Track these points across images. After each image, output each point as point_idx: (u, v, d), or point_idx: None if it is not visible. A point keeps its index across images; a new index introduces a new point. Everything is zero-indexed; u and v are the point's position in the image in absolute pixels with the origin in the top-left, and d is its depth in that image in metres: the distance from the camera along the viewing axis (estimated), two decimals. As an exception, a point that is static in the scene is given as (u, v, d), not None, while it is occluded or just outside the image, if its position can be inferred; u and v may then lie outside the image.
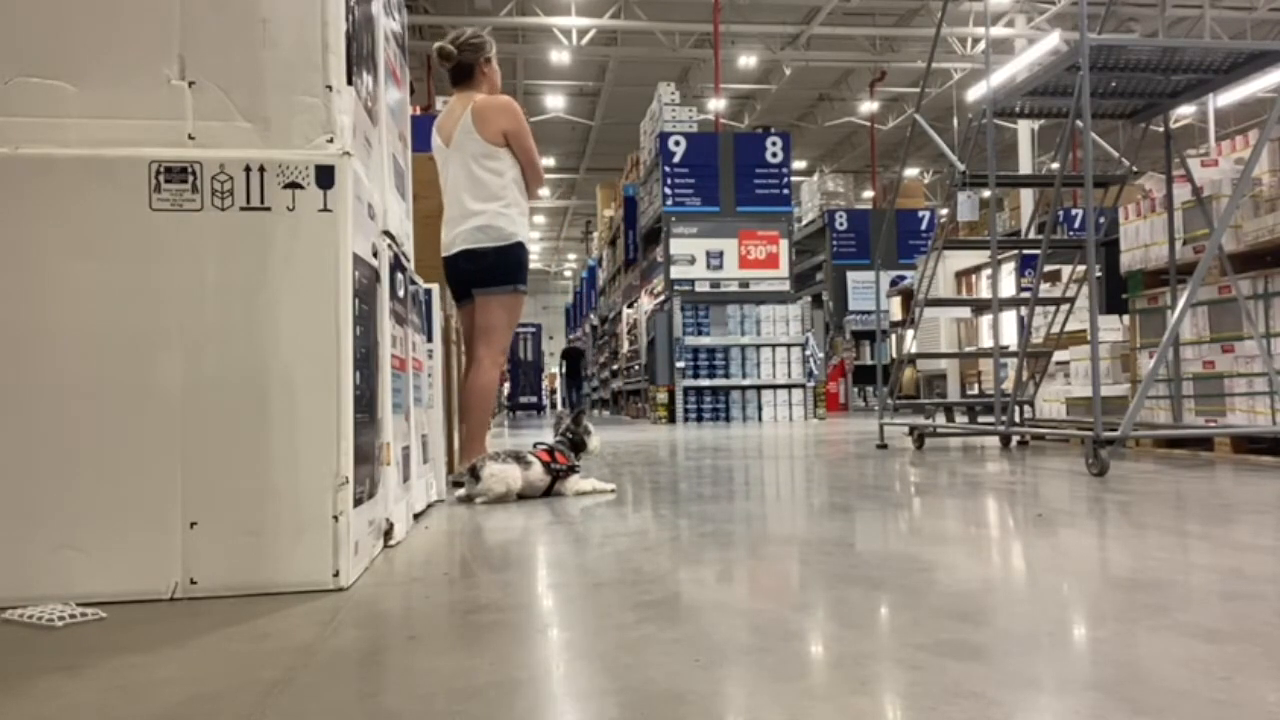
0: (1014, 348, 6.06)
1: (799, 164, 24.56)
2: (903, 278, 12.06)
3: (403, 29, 2.96)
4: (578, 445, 3.63)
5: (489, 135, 3.84)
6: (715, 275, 11.39)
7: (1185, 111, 17.63)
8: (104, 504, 1.77)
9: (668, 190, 11.42)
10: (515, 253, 3.90)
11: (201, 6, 1.91)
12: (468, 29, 4.08)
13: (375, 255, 2.23)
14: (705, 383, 11.22)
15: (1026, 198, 15.57)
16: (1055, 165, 5.99)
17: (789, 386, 11.36)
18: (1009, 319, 7.91)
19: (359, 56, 2.13)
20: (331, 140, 1.93)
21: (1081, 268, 5.46)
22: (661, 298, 11.93)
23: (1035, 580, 1.86)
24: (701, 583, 1.87)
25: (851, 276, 15.87)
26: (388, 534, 2.33)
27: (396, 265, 2.52)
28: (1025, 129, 16.60)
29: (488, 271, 3.87)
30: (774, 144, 11.62)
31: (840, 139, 25.16)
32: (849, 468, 4.44)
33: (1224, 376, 4.81)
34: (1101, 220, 5.42)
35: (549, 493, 3.45)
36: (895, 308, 11.11)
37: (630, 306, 15.46)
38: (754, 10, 17.35)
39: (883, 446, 5.76)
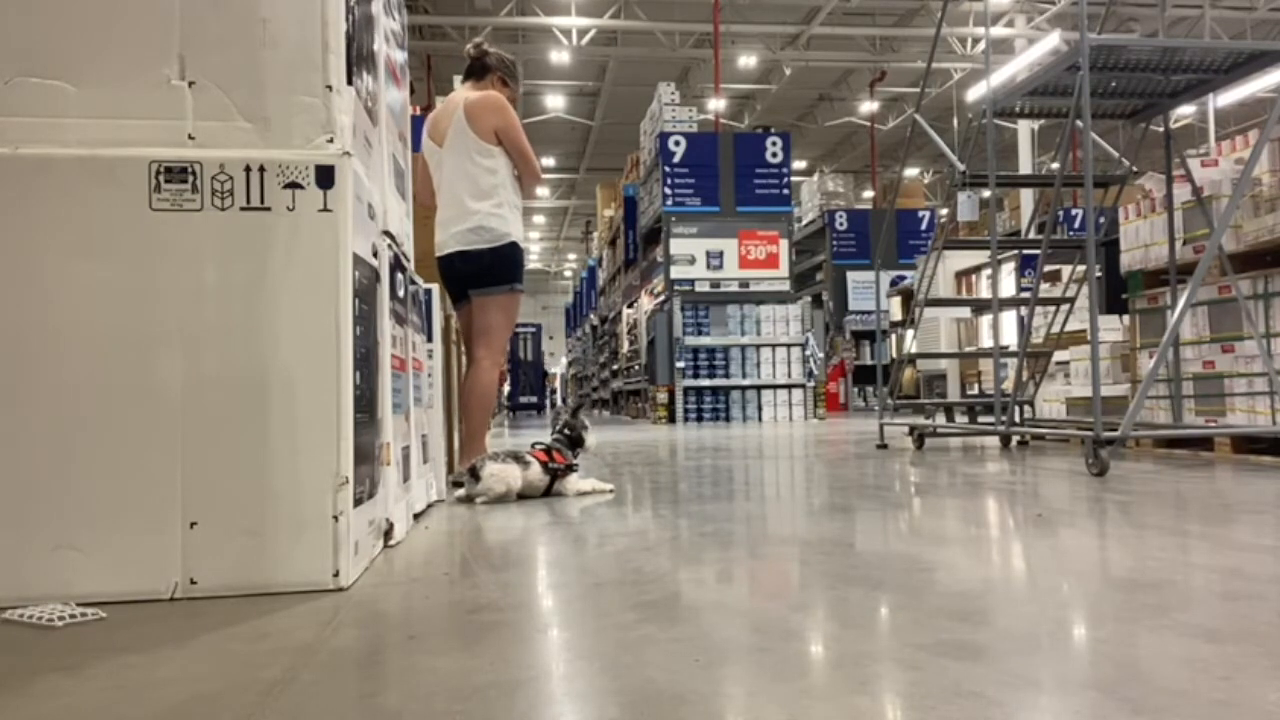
0: (1014, 348, 6.06)
1: (799, 164, 24.56)
2: (903, 278, 12.06)
3: (403, 29, 2.96)
4: (576, 442, 3.62)
5: (481, 133, 3.87)
6: (715, 275, 11.38)
7: (1185, 111, 17.63)
8: (104, 504, 1.77)
9: (668, 190, 11.41)
10: (510, 252, 3.91)
11: (201, 6, 1.91)
12: (495, 46, 4.19)
13: (375, 255, 2.23)
14: (705, 383, 11.22)
15: (1026, 198, 15.58)
16: (1055, 165, 5.99)
17: (789, 386, 11.35)
18: (1009, 319, 7.91)
19: (359, 56, 2.13)
20: (331, 140, 1.93)
21: (1081, 268, 5.46)
22: (661, 298, 11.93)
23: (1035, 580, 1.86)
24: (701, 583, 1.87)
25: (851, 276, 15.87)
26: (388, 534, 2.33)
27: (396, 265, 2.52)
28: (1025, 129, 16.60)
29: (484, 272, 3.88)
30: (774, 144, 11.61)
31: (840, 139, 25.16)
32: (849, 468, 4.44)
33: (1224, 376, 4.81)
34: (1101, 220, 5.41)
35: (548, 492, 3.45)
36: (895, 308, 11.11)
37: (630, 306, 15.45)
38: (754, 10, 17.35)
39: (883, 446, 5.76)
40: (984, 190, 5.47)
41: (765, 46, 18.43)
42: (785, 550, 2.23)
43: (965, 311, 9.73)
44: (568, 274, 43.01)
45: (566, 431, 3.60)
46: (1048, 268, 6.68)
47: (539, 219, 35.06)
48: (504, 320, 3.95)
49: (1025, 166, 16.60)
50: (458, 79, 4.32)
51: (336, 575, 1.83)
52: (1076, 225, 13.69)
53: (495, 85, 4.06)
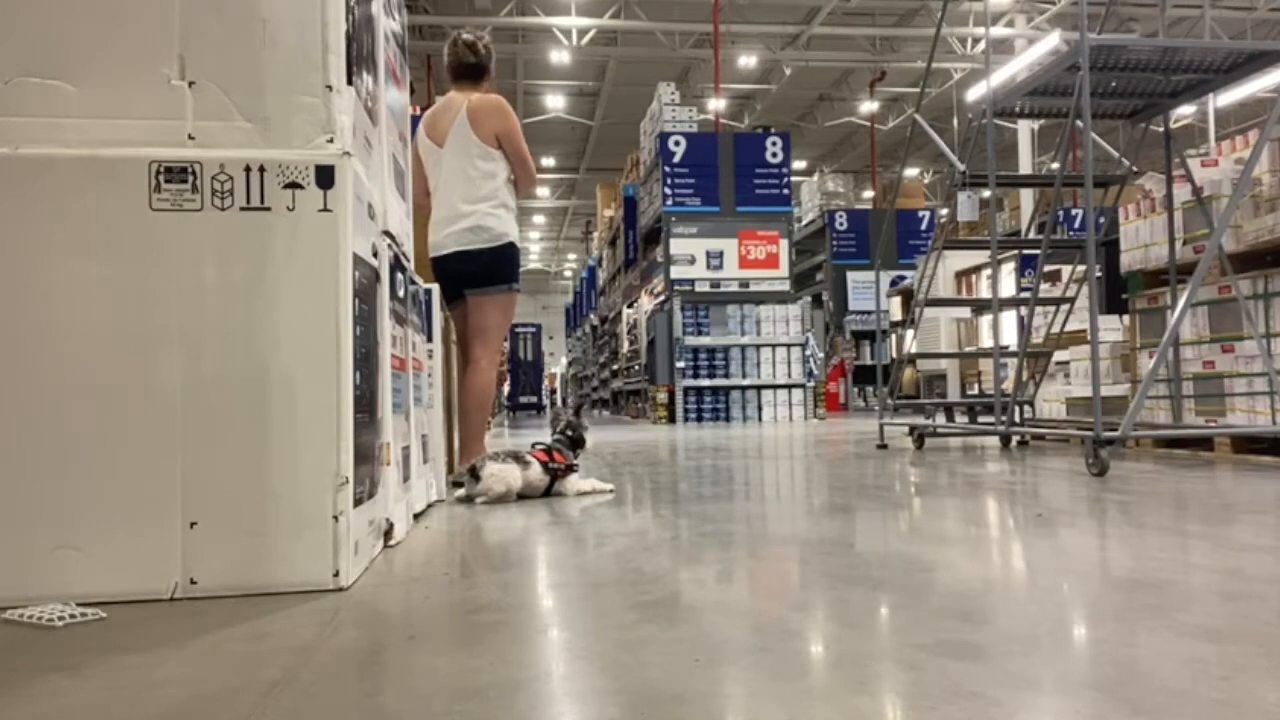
0: (1014, 348, 6.06)
1: (799, 164, 24.56)
2: (903, 278, 12.05)
3: (403, 29, 2.96)
4: (577, 443, 3.62)
5: (484, 136, 3.87)
6: (715, 275, 11.38)
7: (1185, 111, 17.63)
8: (104, 504, 1.77)
9: (668, 190, 11.41)
10: (508, 253, 3.93)
11: (201, 6, 1.91)
12: (485, 35, 4.14)
13: (375, 255, 2.23)
14: (705, 383, 11.21)
15: (1026, 198, 15.58)
16: (1055, 165, 5.99)
17: (789, 386, 11.35)
18: (1009, 319, 7.90)
19: (359, 56, 2.13)
20: (331, 140, 1.93)
21: (1081, 268, 5.46)
22: (661, 298, 11.92)
23: (1035, 580, 1.86)
24: (701, 583, 1.87)
25: (851, 276, 15.86)
26: (388, 534, 2.33)
27: (396, 265, 2.52)
28: (1025, 129, 16.60)
29: (483, 272, 3.88)
30: (774, 144, 11.61)
31: (840, 139, 25.16)
32: (849, 468, 4.44)
33: (1224, 376, 4.81)
34: (1101, 220, 5.41)
35: (548, 492, 3.45)
36: (895, 308, 11.10)
37: (630, 306, 15.44)
38: (754, 10, 17.34)
39: (883, 447, 5.76)
40: (984, 190, 5.47)
41: (765, 46, 18.43)
42: (785, 550, 2.23)
43: (965, 311, 9.73)
44: (568, 274, 42.99)
45: (569, 433, 3.60)
46: (1048, 268, 6.68)
47: (539, 219, 35.06)
48: (502, 320, 3.96)
49: (1025, 166, 16.60)
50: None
51: (336, 575, 1.83)
52: (1076, 225, 13.69)
53: (489, 80, 4.07)
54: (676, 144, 11.47)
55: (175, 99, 1.89)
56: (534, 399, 24.65)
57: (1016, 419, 5.37)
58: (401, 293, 2.61)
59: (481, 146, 3.88)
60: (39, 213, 1.81)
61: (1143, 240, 5.50)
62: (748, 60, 18.95)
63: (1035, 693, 1.15)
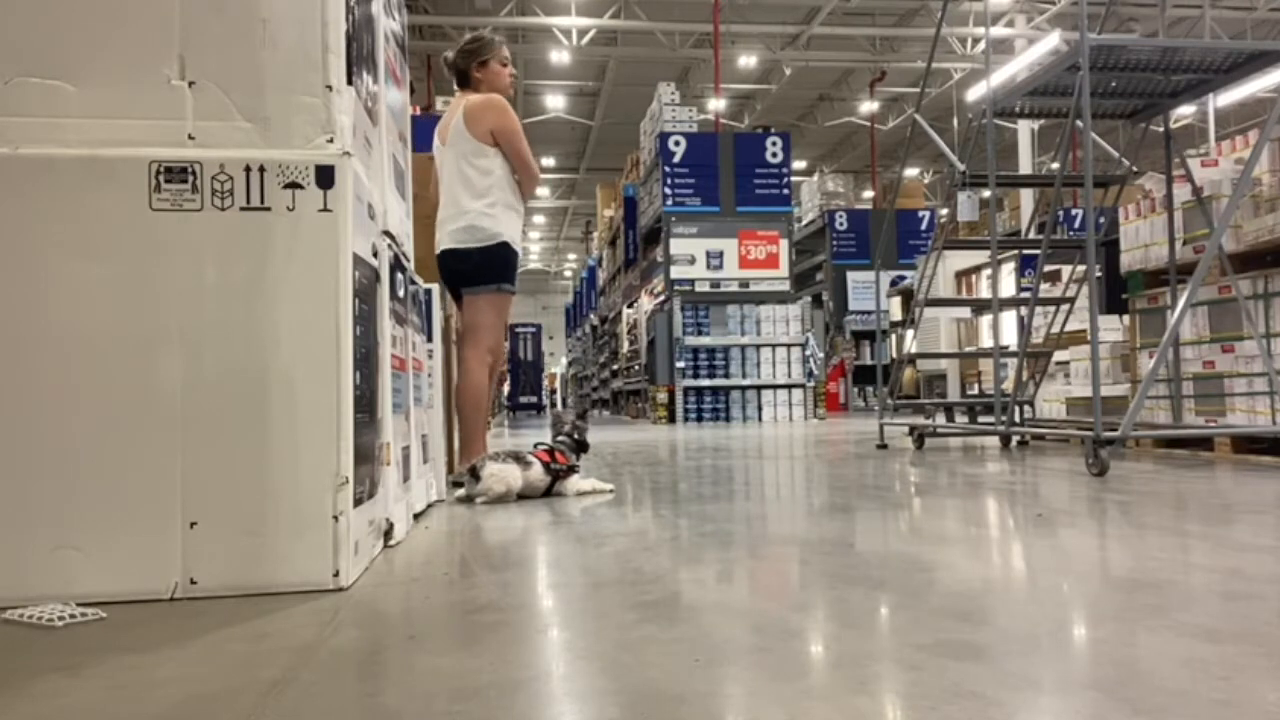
0: (1014, 348, 6.06)
1: (799, 164, 24.55)
2: (903, 278, 12.06)
3: (403, 29, 2.96)
4: (581, 446, 3.63)
5: (478, 133, 3.87)
6: (715, 275, 11.38)
7: (1185, 111, 17.63)
8: (104, 504, 1.77)
9: (668, 190, 11.41)
10: (499, 253, 3.91)
11: (201, 6, 1.91)
12: (470, 32, 4.13)
13: (375, 255, 2.23)
14: (705, 383, 11.22)
15: (1026, 198, 15.57)
16: (1055, 165, 5.99)
17: (789, 386, 11.35)
18: (1009, 319, 7.90)
19: (359, 56, 2.13)
20: (331, 140, 1.93)
21: (1081, 268, 5.46)
22: (661, 298, 11.92)
23: (1035, 580, 1.86)
24: (701, 583, 1.87)
25: (851, 276, 15.87)
26: (388, 534, 2.33)
27: (396, 265, 2.52)
28: (1025, 129, 16.60)
29: (472, 271, 3.89)
30: (774, 144, 11.61)
31: (840, 139, 25.15)
32: (849, 468, 4.44)
33: (1224, 376, 4.81)
34: (1101, 220, 5.41)
35: (549, 493, 3.45)
36: (895, 308, 11.11)
37: (630, 306, 15.45)
38: (754, 10, 17.34)
39: (883, 447, 5.76)
40: (984, 190, 5.47)
41: (765, 46, 18.43)
42: (785, 550, 2.23)
43: (965, 311, 9.73)
44: (568, 274, 42.98)
45: (575, 436, 3.61)
46: (1048, 268, 6.68)
47: (539, 219, 35.06)
48: (492, 319, 3.94)
49: (1025, 166, 16.60)
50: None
51: (336, 575, 1.83)
52: (1076, 225, 13.69)
53: (486, 76, 4.03)
54: (676, 144, 11.47)
55: (175, 99, 1.89)
56: (534, 399, 24.66)
57: (1016, 419, 5.37)
58: (401, 293, 2.61)
59: (475, 144, 3.88)
60: (39, 213, 1.81)
61: (1143, 240, 5.50)
62: (748, 60, 18.95)
63: (1035, 693, 1.15)
